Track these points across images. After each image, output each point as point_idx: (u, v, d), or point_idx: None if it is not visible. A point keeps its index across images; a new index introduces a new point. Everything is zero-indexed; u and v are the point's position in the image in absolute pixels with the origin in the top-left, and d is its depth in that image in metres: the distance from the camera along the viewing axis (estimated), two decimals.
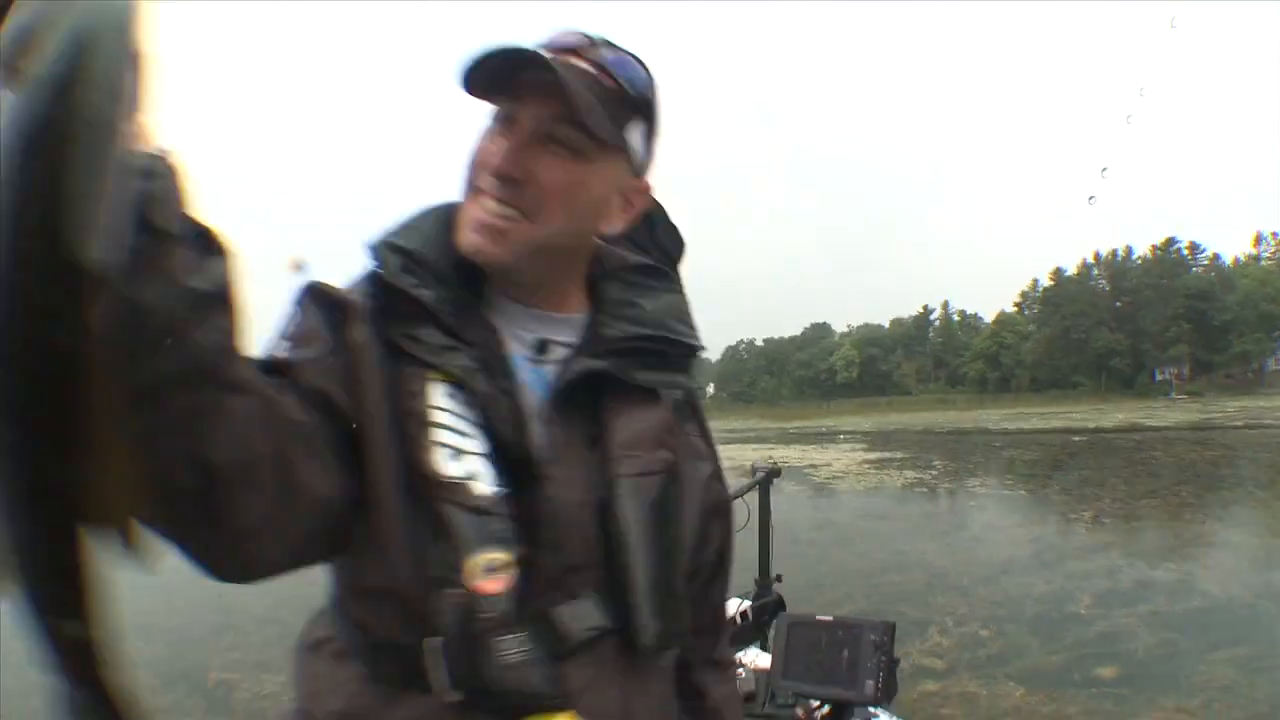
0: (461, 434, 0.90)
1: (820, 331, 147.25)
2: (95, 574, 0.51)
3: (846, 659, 2.83)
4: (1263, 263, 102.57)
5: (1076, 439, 27.96)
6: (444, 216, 1.01)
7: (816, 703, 2.86)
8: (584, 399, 1.00)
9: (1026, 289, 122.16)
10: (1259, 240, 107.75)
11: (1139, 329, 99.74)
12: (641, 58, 1.00)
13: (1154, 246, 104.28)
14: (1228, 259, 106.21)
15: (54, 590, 0.51)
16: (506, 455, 0.92)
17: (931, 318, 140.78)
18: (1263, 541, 9.22)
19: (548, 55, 0.91)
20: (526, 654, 0.88)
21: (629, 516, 0.96)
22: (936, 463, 21.64)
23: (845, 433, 39.62)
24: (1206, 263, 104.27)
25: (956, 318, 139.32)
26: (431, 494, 0.87)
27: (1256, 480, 14.36)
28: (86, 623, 0.52)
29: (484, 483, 0.89)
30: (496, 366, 0.95)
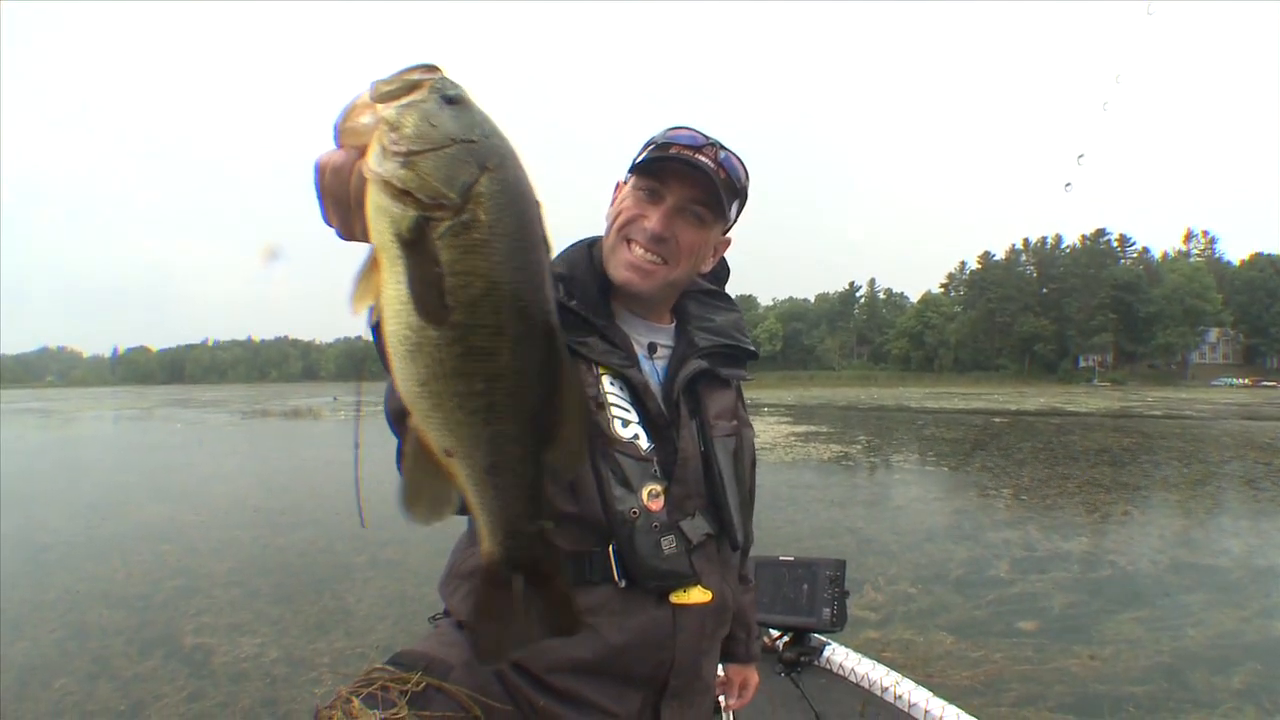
0: (625, 409, 1.46)
1: (745, 304, 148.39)
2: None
3: (806, 592, 3.32)
4: (1192, 259, 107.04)
5: (998, 420, 29.11)
6: (588, 249, 1.59)
7: (778, 633, 3.34)
8: (687, 384, 1.56)
9: (954, 271, 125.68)
10: (1189, 237, 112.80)
11: (1064, 316, 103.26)
12: (741, 156, 1.53)
13: (1084, 236, 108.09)
14: (1157, 253, 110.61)
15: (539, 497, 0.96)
16: (652, 422, 1.49)
17: (857, 294, 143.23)
18: (1170, 523, 10.02)
19: (689, 155, 1.44)
20: (676, 549, 1.42)
21: (722, 463, 1.55)
22: (861, 438, 22.48)
23: (769, 405, 40.47)
24: (1136, 255, 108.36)
25: (882, 295, 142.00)
26: (612, 449, 1.41)
27: (1169, 466, 15.36)
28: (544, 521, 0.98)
29: (643, 441, 1.46)
30: (634, 363, 1.50)
